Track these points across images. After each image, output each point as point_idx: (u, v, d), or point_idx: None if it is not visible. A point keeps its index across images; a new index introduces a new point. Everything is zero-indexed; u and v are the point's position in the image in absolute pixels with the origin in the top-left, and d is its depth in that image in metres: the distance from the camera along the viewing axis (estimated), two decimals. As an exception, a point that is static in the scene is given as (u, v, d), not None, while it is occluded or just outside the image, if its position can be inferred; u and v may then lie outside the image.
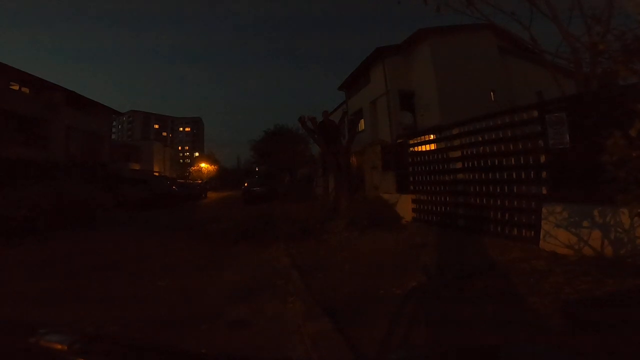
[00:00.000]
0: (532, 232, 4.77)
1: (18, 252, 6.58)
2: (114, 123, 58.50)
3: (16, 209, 8.88)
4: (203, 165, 61.80)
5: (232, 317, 3.06)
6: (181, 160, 75.25)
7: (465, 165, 6.28)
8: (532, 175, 4.91)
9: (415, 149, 8.01)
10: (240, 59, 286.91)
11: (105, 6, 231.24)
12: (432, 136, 7.47)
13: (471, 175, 6.13)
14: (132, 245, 7.20)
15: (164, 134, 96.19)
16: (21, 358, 0.91)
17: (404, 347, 2.29)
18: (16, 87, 18.79)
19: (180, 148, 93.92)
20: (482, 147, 5.87)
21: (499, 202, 5.47)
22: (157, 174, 34.24)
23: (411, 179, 8.07)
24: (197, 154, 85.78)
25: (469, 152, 6.19)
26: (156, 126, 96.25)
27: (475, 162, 6.01)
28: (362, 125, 19.28)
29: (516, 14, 6.05)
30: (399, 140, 9.11)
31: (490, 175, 5.67)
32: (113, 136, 45.13)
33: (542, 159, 4.74)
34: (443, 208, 6.91)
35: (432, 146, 7.40)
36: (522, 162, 5.09)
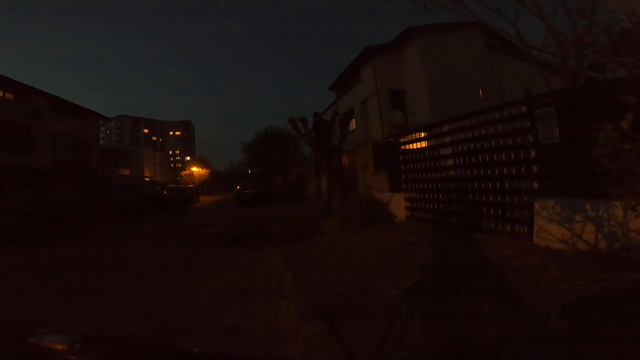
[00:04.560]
0: (525, 228, 4.79)
1: (4, 259, 6.41)
2: (102, 128, 57.88)
3: (2, 217, 8.67)
4: (194, 169, 61.27)
5: (226, 321, 3.00)
6: (172, 165, 74.52)
7: (457, 162, 6.29)
8: (523, 170, 4.93)
9: (407, 147, 8.02)
10: (230, 61, 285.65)
11: (92, 10, 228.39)
12: (423, 134, 7.48)
13: (463, 172, 6.15)
14: (121, 251, 7.05)
15: (154, 138, 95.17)
16: (21, 358, 0.91)
17: (403, 347, 2.25)
18: (0, 93, 18.40)
19: (170, 152, 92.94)
20: (472, 144, 5.89)
21: (491, 199, 5.49)
22: (147, 179, 33.88)
23: (403, 177, 8.07)
24: (188, 157, 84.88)
25: (460, 149, 6.21)
26: (145, 130, 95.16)
27: (467, 159, 6.03)
28: (353, 124, 19.30)
29: (502, 10, 6.09)
30: (390, 139, 9.12)
31: (481, 171, 5.68)
32: (101, 142, 44.66)
33: (533, 154, 4.77)
34: (436, 206, 6.92)
35: (423, 144, 7.41)
36: (512, 157, 5.11)
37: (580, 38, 3.85)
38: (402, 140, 8.26)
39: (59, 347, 0.97)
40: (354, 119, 19.32)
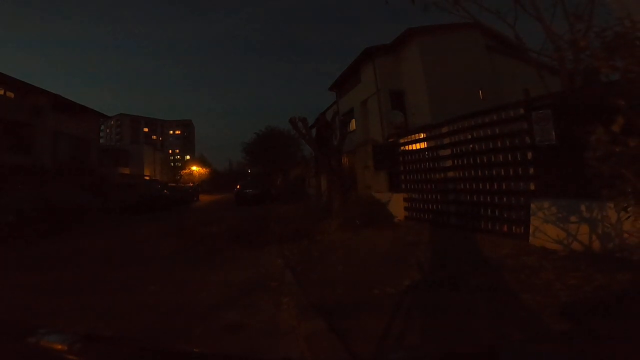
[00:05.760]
0: (522, 228, 4.85)
1: (5, 257, 6.45)
2: (102, 127, 57.88)
3: (3, 215, 8.72)
4: (194, 168, 61.31)
5: (226, 320, 3.04)
6: (172, 164, 74.51)
7: (455, 163, 6.34)
8: (520, 171, 4.99)
9: (406, 147, 8.07)
10: (230, 61, 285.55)
11: (92, 9, 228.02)
12: (422, 135, 7.54)
13: (461, 173, 6.20)
14: (121, 250, 7.09)
15: (154, 137, 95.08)
16: (21, 358, 0.91)
17: (403, 347, 2.29)
18: (1, 92, 18.43)
19: (170, 151, 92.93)
20: (471, 145, 5.95)
21: (488, 199, 5.55)
22: (147, 177, 33.88)
23: (403, 177, 8.12)
24: (188, 157, 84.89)
25: (459, 150, 6.26)
26: (145, 129, 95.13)
27: (465, 160, 6.08)
28: (353, 125, 19.31)
29: (501, 13, 6.15)
30: (390, 140, 9.17)
31: (479, 172, 5.74)
32: (101, 140, 44.63)
33: (529, 155, 4.82)
34: (434, 206, 6.97)
35: (423, 145, 7.46)
36: (510, 159, 5.17)
37: (575, 42, 3.90)
38: (401, 141, 8.31)
39: (59, 347, 0.97)
40: (354, 120, 19.34)
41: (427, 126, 7.65)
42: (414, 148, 7.77)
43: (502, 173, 5.28)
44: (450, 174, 6.51)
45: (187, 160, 77.06)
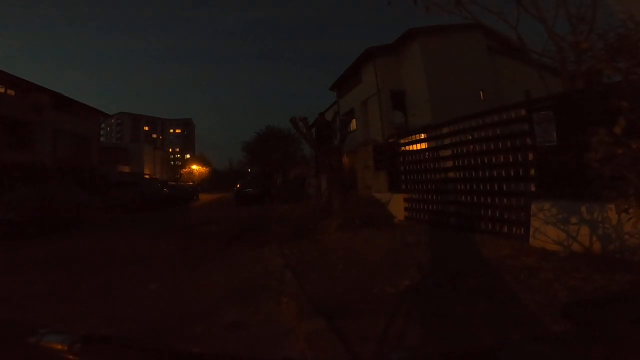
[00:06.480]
0: (522, 229, 4.84)
1: (5, 255, 6.46)
2: (103, 125, 57.96)
3: (3, 213, 8.73)
4: (194, 167, 61.38)
5: (227, 318, 3.05)
6: (172, 162, 74.57)
7: (456, 164, 6.34)
8: (520, 172, 4.98)
9: (407, 148, 8.07)
10: (231, 60, 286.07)
11: (93, 8, 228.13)
12: (422, 135, 7.53)
13: (461, 174, 6.19)
14: (121, 248, 7.10)
15: (154, 136, 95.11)
16: (21, 358, 0.91)
17: (403, 347, 2.29)
18: (2, 90, 18.44)
19: (170, 150, 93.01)
20: (471, 146, 5.94)
21: (489, 200, 5.54)
22: (147, 176, 33.89)
23: (403, 178, 8.12)
24: (188, 155, 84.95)
25: (459, 151, 6.26)
26: (146, 128, 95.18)
27: (465, 161, 6.07)
28: (353, 125, 19.33)
29: (503, 14, 6.14)
30: (390, 140, 9.16)
31: (480, 173, 5.73)
32: (102, 139, 44.65)
33: (530, 156, 4.82)
34: (434, 207, 6.97)
35: (423, 145, 7.45)
36: (510, 160, 5.16)
37: (577, 44, 3.91)
38: (402, 141, 8.30)
39: (59, 347, 0.97)
40: (354, 119, 19.35)
41: (428, 126, 7.65)
42: (415, 148, 7.76)
43: (503, 174, 5.27)
44: (451, 174, 6.50)
45: (187, 159, 77.14)
